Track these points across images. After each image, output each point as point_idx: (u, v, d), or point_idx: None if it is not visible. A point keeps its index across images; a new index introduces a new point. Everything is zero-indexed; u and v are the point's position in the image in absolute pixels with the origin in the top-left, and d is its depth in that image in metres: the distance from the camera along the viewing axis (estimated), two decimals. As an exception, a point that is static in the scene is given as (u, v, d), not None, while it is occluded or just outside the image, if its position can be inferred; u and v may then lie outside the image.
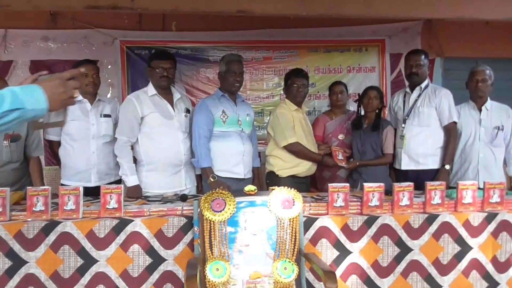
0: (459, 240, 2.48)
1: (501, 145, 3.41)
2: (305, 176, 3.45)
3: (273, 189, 2.25)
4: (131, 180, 2.98)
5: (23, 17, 4.76)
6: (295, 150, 3.35)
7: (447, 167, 3.27)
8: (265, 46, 5.28)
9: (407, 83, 3.67)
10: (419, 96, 3.42)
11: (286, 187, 2.27)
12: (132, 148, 3.07)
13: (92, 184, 3.05)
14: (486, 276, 2.50)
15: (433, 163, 3.33)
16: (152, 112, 3.01)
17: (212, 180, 3.03)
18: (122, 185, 2.43)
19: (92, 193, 2.84)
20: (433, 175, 3.26)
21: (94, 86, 3.11)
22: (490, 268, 2.50)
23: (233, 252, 2.13)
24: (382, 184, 2.51)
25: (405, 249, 2.44)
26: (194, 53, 5.08)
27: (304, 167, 3.42)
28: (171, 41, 5.18)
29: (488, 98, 3.46)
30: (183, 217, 2.34)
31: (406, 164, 3.39)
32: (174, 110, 3.10)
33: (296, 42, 5.34)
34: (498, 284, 2.51)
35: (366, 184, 2.51)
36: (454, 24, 5.28)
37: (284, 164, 3.40)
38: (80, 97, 3.12)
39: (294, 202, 2.21)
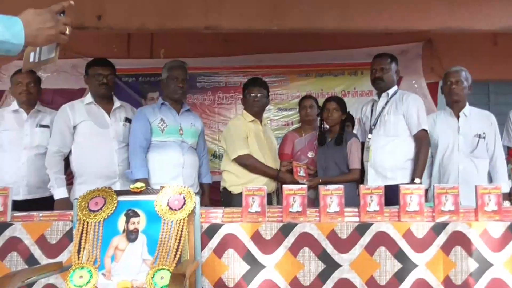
0: (400, 255, 2.02)
1: (484, 156, 2.93)
2: (262, 193, 3.08)
3: (163, 187, 1.95)
4: (58, 193, 2.77)
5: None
6: (246, 163, 3.04)
7: (417, 181, 2.81)
8: (254, 72, 5.09)
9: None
10: (386, 103, 3.04)
11: (179, 186, 1.96)
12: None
13: (20, 197, 2.87)
14: (438, 302, 2.01)
15: (402, 178, 2.88)
16: (84, 120, 2.84)
17: (146, 193, 2.76)
18: (11, 187, 2.21)
19: (21, 207, 2.63)
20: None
21: (28, 95, 2.99)
22: (442, 291, 2.01)
23: (105, 257, 1.82)
24: (304, 186, 2.15)
25: (331, 265, 2.01)
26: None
27: (260, 183, 3.06)
28: (159, 68, 5.12)
29: (467, 104, 3.03)
30: (71, 222, 2.07)
31: (372, 179, 2.97)
32: (110, 118, 2.90)
33: (285, 66, 5.12)
34: (454, 313, 2.01)
35: (285, 186, 2.15)
36: (458, 45, 4.91)
37: (237, 180, 3.09)
38: (16, 106, 3.02)
39: (184, 202, 1.89)
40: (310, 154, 3.42)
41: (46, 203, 2.84)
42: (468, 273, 2.02)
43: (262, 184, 3.07)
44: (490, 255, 2.04)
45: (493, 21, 3.93)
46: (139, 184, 1.95)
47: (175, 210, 1.88)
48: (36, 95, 3.05)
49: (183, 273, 1.52)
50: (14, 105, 3.02)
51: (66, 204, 2.75)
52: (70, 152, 2.87)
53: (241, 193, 3.01)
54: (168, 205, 1.89)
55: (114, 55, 5.04)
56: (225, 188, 3.14)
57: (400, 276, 2.01)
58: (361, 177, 3.11)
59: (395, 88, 3.09)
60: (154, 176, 2.85)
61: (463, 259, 2.03)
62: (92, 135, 2.84)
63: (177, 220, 1.85)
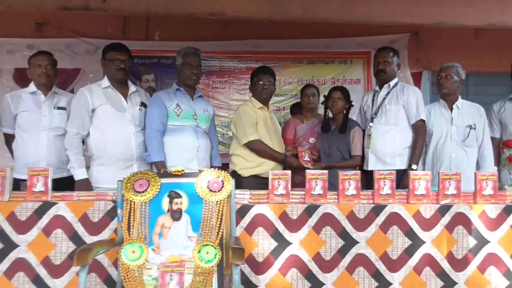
0: (410, 233, 2.28)
1: (473, 145, 3.23)
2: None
3: (202, 171, 2.12)
4: (78, 173, 2.88)
5: (10, 26, 4.84)
6: (256, 148, 3.22)
7: (414, 167, 3.08)
8: (249, 57, 5.22)
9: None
10: (387, 94, 3.28)
11: (216, 170, 2.14)
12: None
13: (41, 177, 2.95)
14: (442, 274, 2.28)
15: (401, 163, 3.16)
16: (103, 104, 2.93)
17: (163, 175, 2.91)
18: (51, 168, 2.33)
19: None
20: (401, 176, 3.08)
21: (47, 77, 3.06)
22: (445, 265, 2.29)
23: (153, 234, 1.98)
24: (325, 171, 2.36)
25: (350, 242, 2.26)
26: (177, 62, 5.08)
27: (268, 167, 3.26)
28: (154, 50, 5.18)
29: (459, 97, 3.30)
30: (111, 202, 2.22)
31: (373, 164, 3.22)
32: (127, 102, 3.01)
33: (280, 53, 5.27)
34: (455, 283, 2.29)
35: (308, 171, 2.36)
36: (442, 37, 5.20)
37: (246, 164, 3.27)
38: (34, 88, 3.08)
39: (223, 184, 2.07)
40: (311, 140, 3.62)
41: (64, 183, 2.95)
42: (468, 249, 2.31)
43: (270, 167, 3.28)
44: (487, 233, 2.33)
45: (480, 18, 4.21)
46: (180, 168, 2.11)
47: (215, 192, 2.05)
48: (53, 78, 3.13)
49: (242, 247, 1.71)
50: (32, 87, 3.08)
51: (86, 185, 2.87)
52: (87, 135, 2.97)
53: (250, 176, 3.25)
54: (208, 187, 2.06)
55: (109, 36, 5.08)
56: (234, 171, 3.31)
57: (409, 252, 2.28)
58: (361, 162, 3.36)
59: (396, 80, 3.33)
60: (169, 159, 2.98)
61: (463, 237, 2.31)
62: (111, 118, 2.94)
63: (217, 201, 2.03)
